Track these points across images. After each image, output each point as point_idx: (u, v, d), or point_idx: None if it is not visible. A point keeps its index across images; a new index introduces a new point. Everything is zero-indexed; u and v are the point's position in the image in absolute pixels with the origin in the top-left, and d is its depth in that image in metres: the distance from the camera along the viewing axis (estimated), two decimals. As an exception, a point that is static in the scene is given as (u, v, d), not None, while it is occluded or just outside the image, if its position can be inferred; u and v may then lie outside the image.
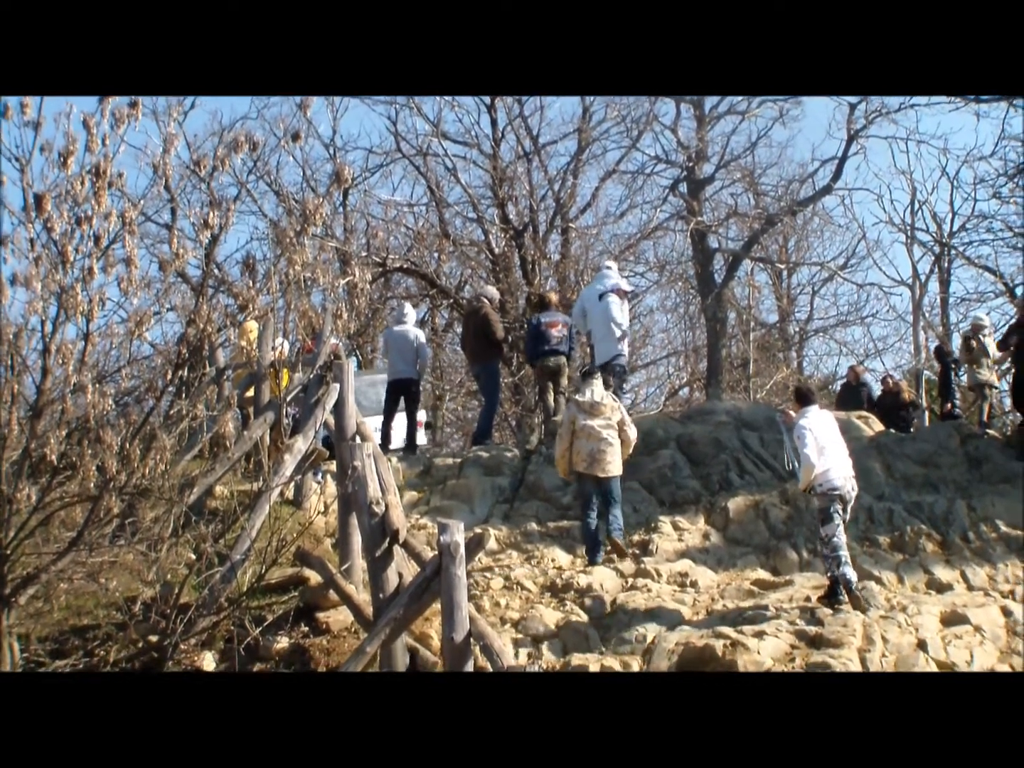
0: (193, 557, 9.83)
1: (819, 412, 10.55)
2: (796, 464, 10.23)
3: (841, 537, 9.66)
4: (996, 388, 15.89)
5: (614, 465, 10.80)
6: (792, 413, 10.76)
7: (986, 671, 9.07)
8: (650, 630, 9.57)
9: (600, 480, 10.76)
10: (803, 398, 10.75)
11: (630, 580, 10.67)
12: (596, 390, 11.19)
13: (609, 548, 10.91)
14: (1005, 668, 9.17)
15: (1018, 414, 15.37)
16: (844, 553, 9.72)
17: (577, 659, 9.13)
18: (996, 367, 15.35)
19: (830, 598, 9.58)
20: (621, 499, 11.10)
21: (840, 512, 9.85)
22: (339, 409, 10.07)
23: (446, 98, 22.29)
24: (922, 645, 9.21)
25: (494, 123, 22.69)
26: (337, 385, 10.12)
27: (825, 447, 9.85)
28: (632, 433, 11.11)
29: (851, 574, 9.69)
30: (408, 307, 15.37)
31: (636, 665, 9.13)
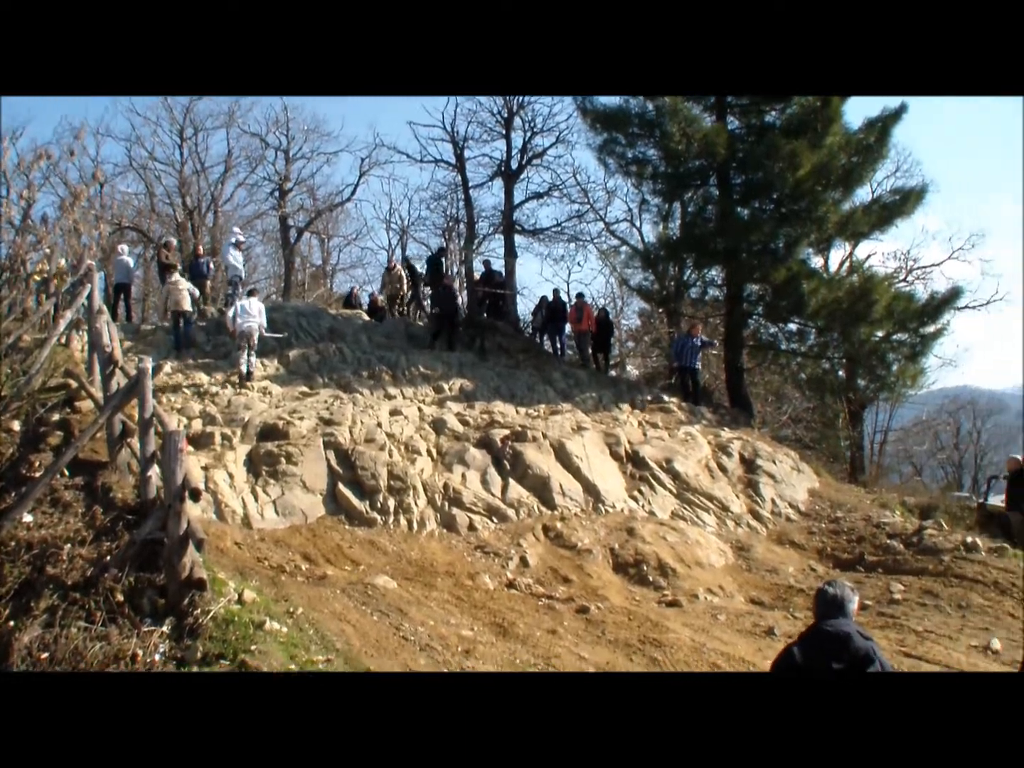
0: (9, 371, 13.80)
1: (251, 300, 19.61)
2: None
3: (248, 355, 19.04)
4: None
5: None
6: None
7: (417, 442, 16.69)
8: (249, 415, 16.74)
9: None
10: (251, 293, 19.74)
11: (239, 389, 18.36)
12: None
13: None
14: (419, 440, 16.82)
15: None
16: (248, 358, 19.02)
17: (208, 429, 15.86)
18: None
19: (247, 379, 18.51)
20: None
21: (249, 343, 18.97)
22: (90, 298, 15.01)
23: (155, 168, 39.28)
24: (380, 426, 16.92)
25: (181, 152, 39.94)
26: (89, 284, 15.15)
27: (243, 315, 19.03)
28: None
29: (247, 364, 18.88)
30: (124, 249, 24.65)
31: (239, 432, 15.88)
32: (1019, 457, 18.60)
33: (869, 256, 36.44)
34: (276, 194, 39.69)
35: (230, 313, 19.33)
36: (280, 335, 21.54)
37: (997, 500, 20.28)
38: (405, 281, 27.98)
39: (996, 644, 11.51)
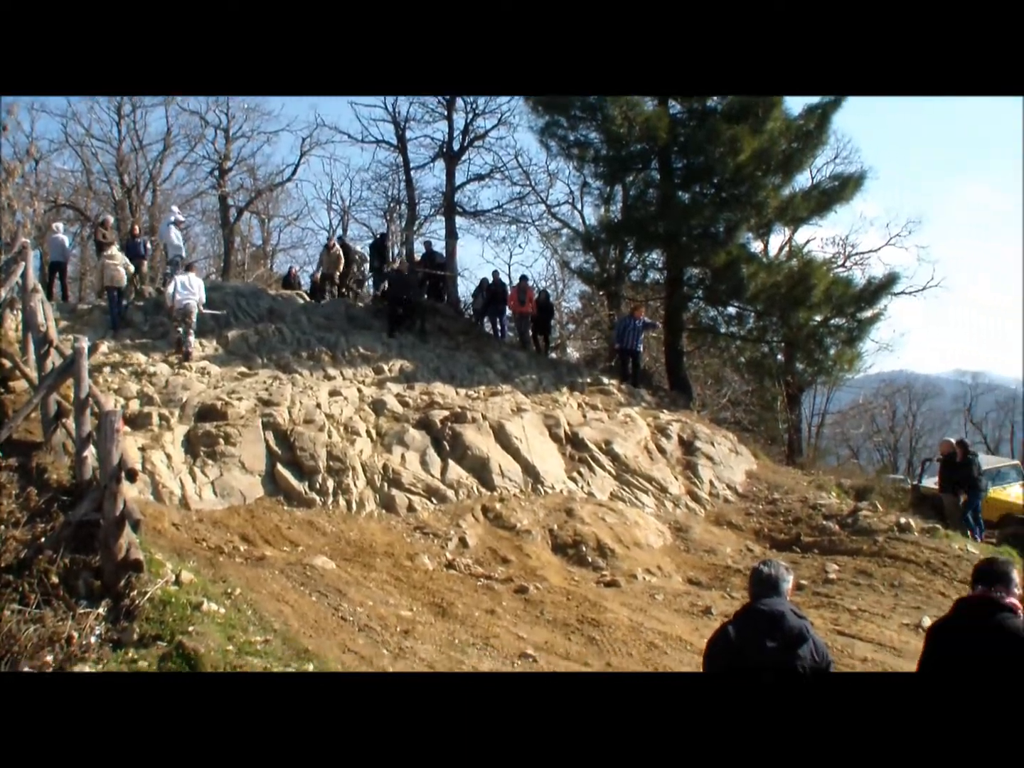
0: (-62, 352, 14.31)
1: (190, 275, 19.21)
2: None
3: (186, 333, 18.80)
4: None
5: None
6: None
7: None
8: (187, 395, 16.47)
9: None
10: (188, 268, 19.72)
11: (178, 369, 18.07)
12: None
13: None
14: (358, 421, 16.98)
15: None
16: (187, 336, 18.79)
17: (145, 409, 15.64)
18: None
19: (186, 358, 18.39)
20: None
21: (187, 320, 18.74)
22: (24, 277, 14.37)
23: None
24: (319, 406, 16.77)
25: (119, 129, 39.66)
26: (24, 263, 14.51)
27: (182, 291, 18.76)
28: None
29: (184, 343, 18.72)
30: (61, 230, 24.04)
31: (177, 413, 15.74)
32: (952, 440, 19.00)
33: (808, 241, 36.49)
34: (216, 173, 39.28)
35: (170, 289, 19.09)
36: (218, 312, 21.30)
37: (931, 482, 20.60)
38: (342, 260, 27.74)
39: (927, 622, 11.66)
